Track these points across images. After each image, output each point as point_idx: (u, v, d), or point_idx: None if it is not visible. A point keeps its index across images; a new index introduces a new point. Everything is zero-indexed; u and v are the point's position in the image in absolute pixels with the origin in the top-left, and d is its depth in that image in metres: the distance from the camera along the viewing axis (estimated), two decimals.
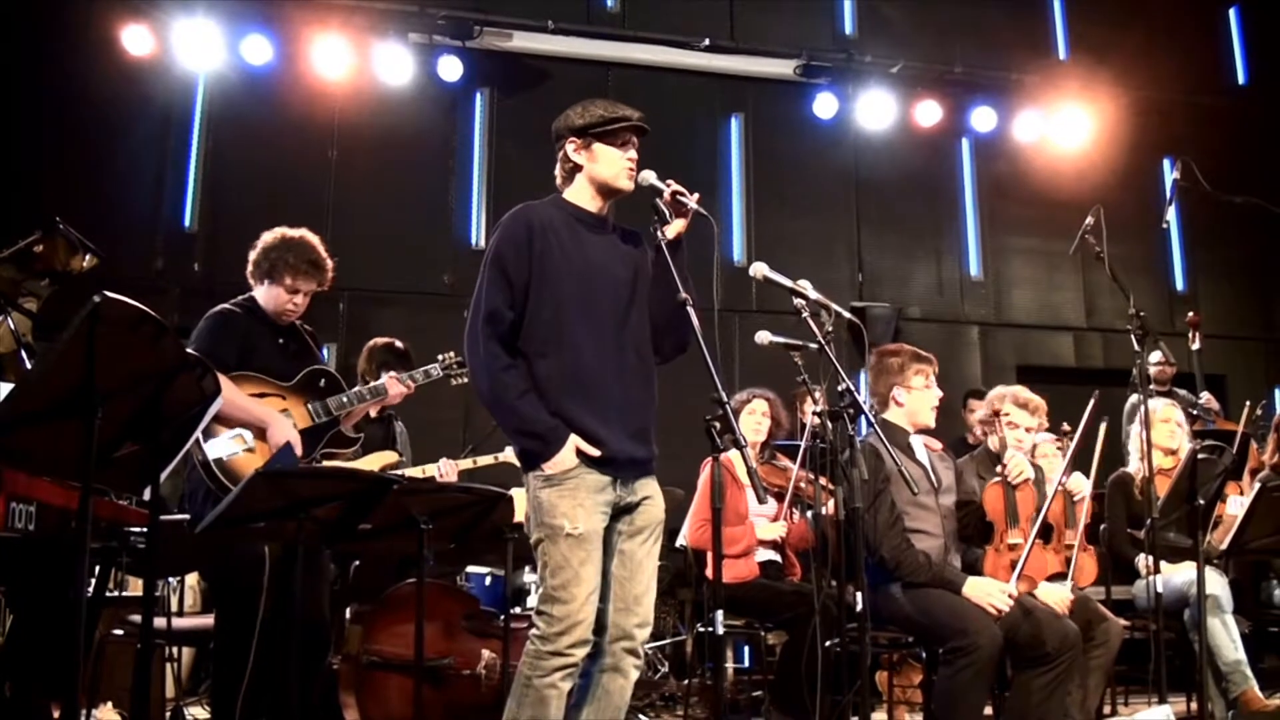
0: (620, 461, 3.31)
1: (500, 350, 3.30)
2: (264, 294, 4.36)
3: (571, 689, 3.24)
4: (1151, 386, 6.90)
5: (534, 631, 3.22)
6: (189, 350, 3.32)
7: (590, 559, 3.22)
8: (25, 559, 3.15)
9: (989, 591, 4.23)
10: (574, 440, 3.25)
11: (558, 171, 3.52)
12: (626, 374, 3.37)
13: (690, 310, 3.28)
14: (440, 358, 4.91)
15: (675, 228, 3.39)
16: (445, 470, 5.43)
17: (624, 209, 3.60)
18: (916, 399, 4.57)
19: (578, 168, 3.46)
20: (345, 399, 4.40)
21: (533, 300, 3.34)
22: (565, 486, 3.25)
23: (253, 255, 4.38)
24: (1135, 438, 5.64)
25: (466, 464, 5.54)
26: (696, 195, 3.37)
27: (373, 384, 4.64)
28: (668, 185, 3.38)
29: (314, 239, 4.43)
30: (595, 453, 3.26)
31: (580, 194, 3.47)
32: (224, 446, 4.10)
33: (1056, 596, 4.48)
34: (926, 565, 4.32)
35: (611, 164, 3.41)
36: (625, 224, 3.56)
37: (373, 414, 5.21)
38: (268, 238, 4.40)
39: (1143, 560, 5.37)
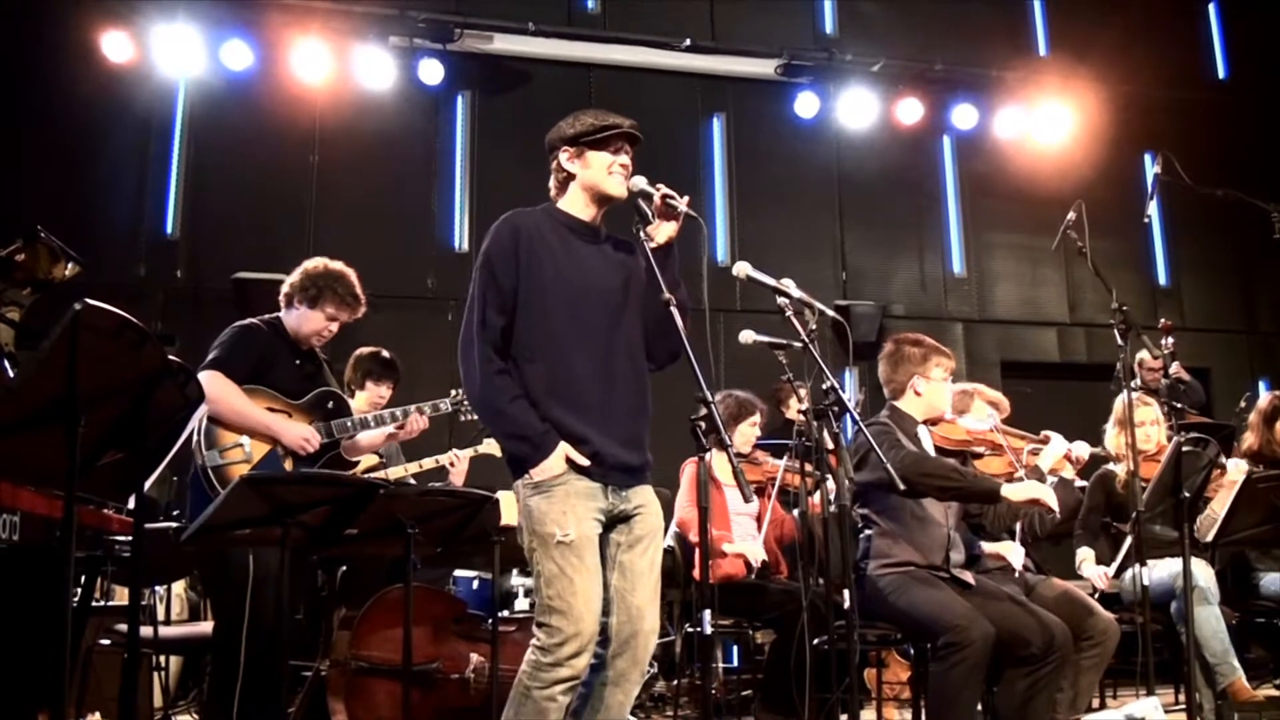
0: (610, 466, 3.28)
1: (493, 354, 3.28)
2: (297, 317, 4.42)
3: (570, 700, 3.20)
4: (1135, 381, 6.93)
5: (534, 642, 3.16)
6: (177, 358, 3.31)
7: (584, 565, 3.17)
8: (9, 569, 3.13)
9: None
10: (563, 447, 3.22)
11: (551, 183, 3.49)
12: (617, 380, 3.34)
13: (675, 310, 3.27)
14: (453, 392, 4.91)
15: (666, 232, 3.37)
16: (460, 456, 5.58)
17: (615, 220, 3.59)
18: (935, 390, 4.64)
19: (571, 176, 3.43)
20: (349, 422, 4.45)
21: (522, 306, 3.32)
22: (554, 494, 3.21)
23: (293, 279, 4.44)
24: (1113, 437, 5.66)
25: (469, 452, 5.65)
26: (686, 198, 3.36)
27: (392, 410, 4.66)
28: (658, 189, 3.36)
29: (353, 274, 4.49)
30: (584, 461, 3.22)
31: (574, 203, 3.45)
32: (223, 454, 4.12)
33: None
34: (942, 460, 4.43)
35: (603, 170, 3.39)
36: (617, 234, 3.55)
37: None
38: (311, 265, 4.46)
39: (1085, 552, 5.52)
